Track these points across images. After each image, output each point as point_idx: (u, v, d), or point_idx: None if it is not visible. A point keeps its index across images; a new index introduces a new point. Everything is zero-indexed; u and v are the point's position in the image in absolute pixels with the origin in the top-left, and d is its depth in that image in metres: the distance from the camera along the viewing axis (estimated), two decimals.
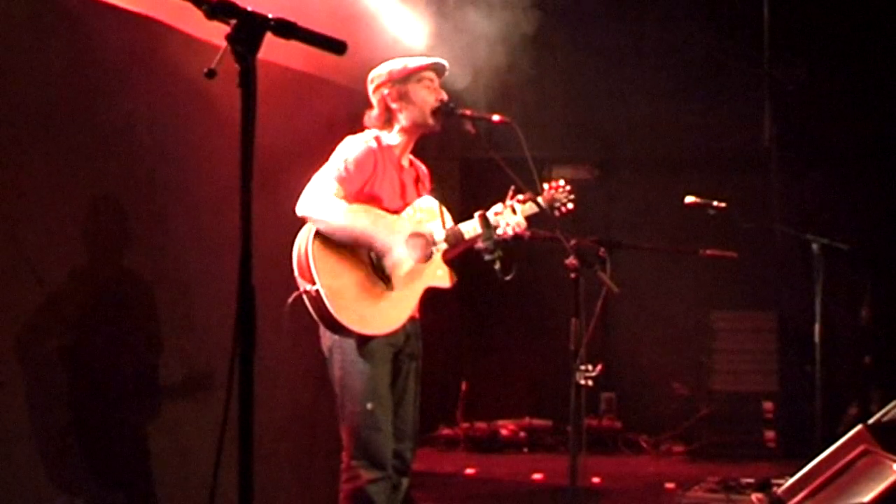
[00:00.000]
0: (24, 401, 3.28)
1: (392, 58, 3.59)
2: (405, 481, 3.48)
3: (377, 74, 3.53)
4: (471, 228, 3.54)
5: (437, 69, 3.55)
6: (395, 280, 3.34)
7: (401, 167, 3.52)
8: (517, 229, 3.54)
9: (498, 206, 3.59)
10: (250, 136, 1.89)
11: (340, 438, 3.42)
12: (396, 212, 3.45)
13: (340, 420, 3.38)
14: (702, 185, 5.28)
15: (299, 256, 3.26)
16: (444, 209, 3.60)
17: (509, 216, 3.56)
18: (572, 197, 3.81)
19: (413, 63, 3.51)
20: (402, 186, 3.50)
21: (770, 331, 7.16)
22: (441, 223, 3.55)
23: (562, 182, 3.83)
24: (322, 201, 3.24)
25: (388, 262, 3.32)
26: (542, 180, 3.69)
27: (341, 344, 3.33)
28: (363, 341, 3.30)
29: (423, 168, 3.69)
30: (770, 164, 7.33)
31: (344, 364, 3.33)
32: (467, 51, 7.18)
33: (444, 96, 3.52)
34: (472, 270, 3.65)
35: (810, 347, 5.10)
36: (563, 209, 3.80)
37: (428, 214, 3.54)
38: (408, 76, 3.48)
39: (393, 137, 3.51)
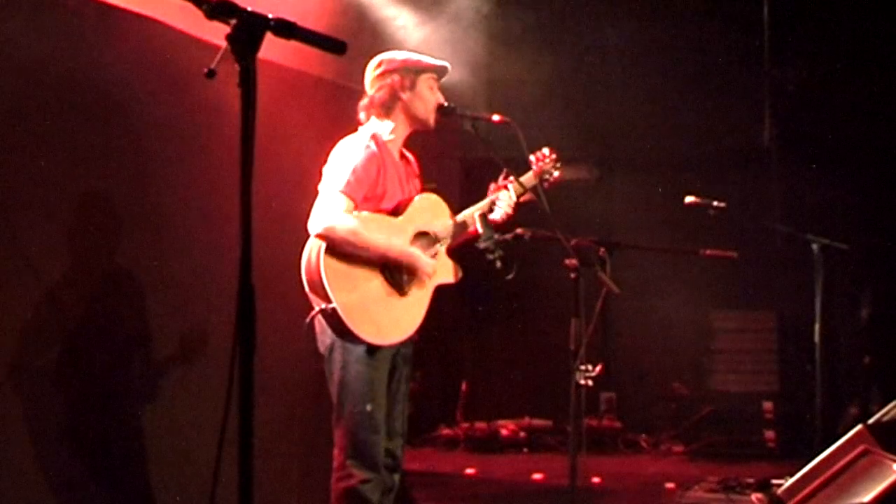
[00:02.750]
0: (23, 401, 3.28)
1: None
2: (397, 478, 3.49)
3: (388, 59, 3.50)
4: (468, 216, 3.57)
5: (441, 73, 3.57)
6: (408, 287, 3.34)
7: (396, 164, 3.51)
8: (510, 210, 3.58)
9: (492, 198, 3.60)
10: (250, 136, 1.89)
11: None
12: (399, 205, 3.43)
13: (336, 419, 3.38)
14: (702, 185, 5.27)
15: (310, 274, 3.20)
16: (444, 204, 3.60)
17: (504, 196, 3.59)
18: (559, 165, 3.83)
19: (427, 59, 3.53)
20: (400, 180, 3.49)
21: (770, 331, 7.16)
22: (448, 217, 3.56)
23: (545, 150, 3.83)
24: (331, 220, 3.19)
25: (404, 275, 3.33)
26: (528, 152, 3.71)
27: (343, 344, 3.31)
28: (373, 348, 3.30)
29: (410, 157, 3.66)
30: (770, 164, 7.34)
31: (345, 364, 3.32)
32: (467, 51, 7.20)
33: (442, 99, 3.53)
34: (473, 270, 3.66)
35: (810, 347, 5.09)
36: (552, 179, 3.82)
37: (432, 211, 3.53)
38: (421, 69, 3.50)
39: (388, 131, 3.48)
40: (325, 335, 3.36)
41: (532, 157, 3.75)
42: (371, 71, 3.52)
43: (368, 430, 3.31)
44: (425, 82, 3.49)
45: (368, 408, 3.30)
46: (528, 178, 3.72)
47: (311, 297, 3.22)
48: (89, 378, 3.52)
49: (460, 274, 3.57)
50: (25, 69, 3.27)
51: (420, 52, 3.64)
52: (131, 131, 3.73)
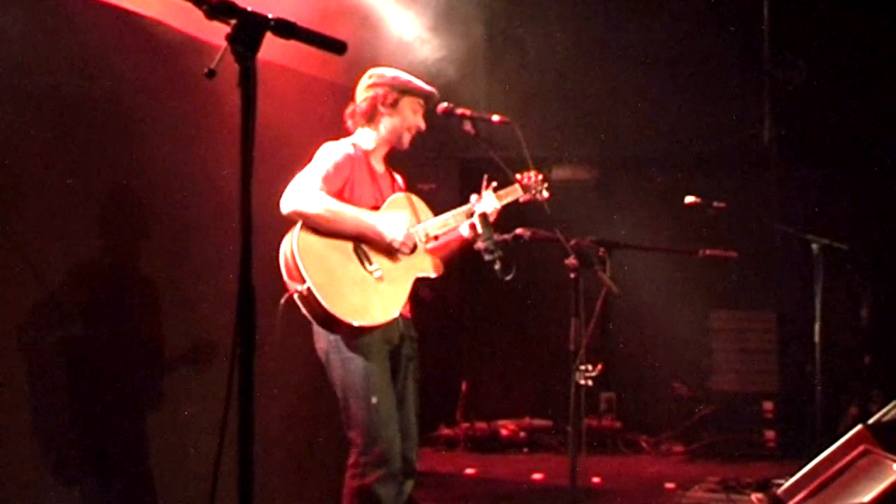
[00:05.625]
0: (24, 398, 3.28)
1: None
2: (410, 484, 3.49)
3: (379, 73, 3.59)
4: (451, 217, 3.60)
5: (430, 99, 3.62)
6: (383, 272, 3.37)
7: (375, 173, 3.58)
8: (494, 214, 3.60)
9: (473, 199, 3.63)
10: (250, 136, 1.89)
11: (340, 438, 3.42)
12: (374, 209, 3.50)
13: (346, 421, 3.39)
14: (702, 185, 5.27)
15: (286, 259, 3.29)
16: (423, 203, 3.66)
17: (487, 201, 3.62)
18: (546, 185, 3.83)
19: (417, 82, 3.60)
20: (380, 191, 3.56)
21: (770, 331, 7.16)
22: (427, 215, 3.61)
23: (532, 174, 3.83)
24: (308, 195, 3.28)
25: (375, 252, 3.35)
26: (516, 171, 3.73)
27: (337, 345, 3.35)
28: (358, 335, 3.31)
29: (398, 178, 3.74)
30: (770, 164, 7.33)
31: (343, 363, 3.35)
32: (467, 52, 7.19)
33: (423, 126, 3.58)
34: (472, 271, 3.66)
35: (810, 347, 5.09)
36: (540, 196, 3.81)
37: (410, 208, 3.59)
38: (407, 90, 3.56)
39: (369, 142, 3.57)
40: (320, 342, 3.41)
41: (518, 176, 3.77)
42: (362, 81, 3.61)
43: (378, 423, 3.33)
44: (409, 104, 3.56)
45: (374, 400, 3.32)
46: (508, 191, 3.73)
47: (288, 282, 3.28)
48: (90, 377, 3.52)
49: (442, 269, 3.59)
50: (25, 70, 3.27)
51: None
52: (131, 131, 3.73)
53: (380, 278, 3.37)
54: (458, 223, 3.61)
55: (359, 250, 3.37)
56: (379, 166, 3.61)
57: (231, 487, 1.89)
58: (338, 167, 3.38)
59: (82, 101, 3.51)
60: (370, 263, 3.38)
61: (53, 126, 3.39)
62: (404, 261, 3.46)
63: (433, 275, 3.57)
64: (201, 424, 3.74)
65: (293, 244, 3.25)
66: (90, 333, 3.55)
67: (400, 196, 3.60)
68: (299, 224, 3.29)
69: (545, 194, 3.83)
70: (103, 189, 3.62)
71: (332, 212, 3.28)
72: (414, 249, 3.48)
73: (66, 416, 3.45)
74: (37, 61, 3.31)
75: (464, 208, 3.62)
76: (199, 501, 3.73)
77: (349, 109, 3.61)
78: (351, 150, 3.47)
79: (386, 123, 3.55)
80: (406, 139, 3.58)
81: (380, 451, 3.31)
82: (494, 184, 3.67)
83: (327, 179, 3.34)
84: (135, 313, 3.79)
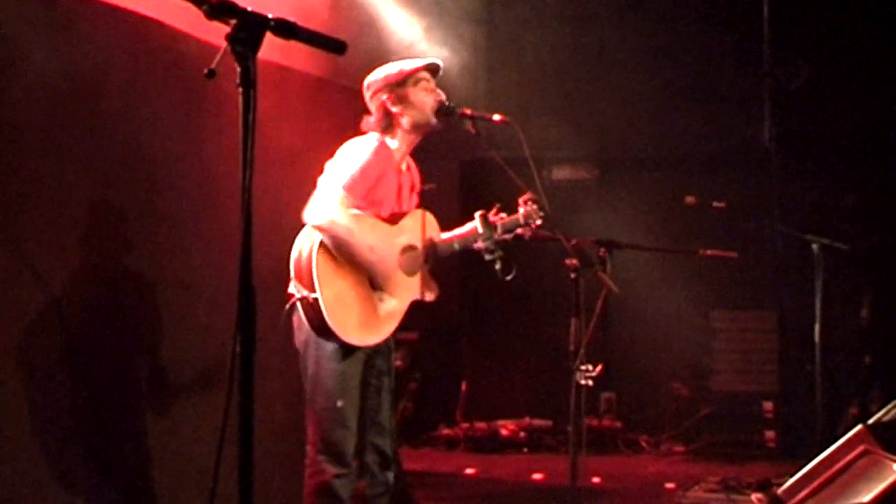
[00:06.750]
0: (25, 401, 3.28)
1: (392, 58, 3.61)
2: (390, 475, 3.52)
3: (373, 80, 3.55)
4: (454, 244, 3.60)
5: (432, 69, 3.57)
6: (387, 292, 3.39)
7: (399, 171, 3.54)
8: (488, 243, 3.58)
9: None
10: (250, 136, 1.89)
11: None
12: (394, 215, 3.49)
13: (308, 414, 3.42)
14: (702, 185, 5.28)
15: (299, 262, 3.28)
16: (436, 224, 3.65)
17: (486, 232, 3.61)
18: (542, 214, 3.79)
19: (409, 66, 3.53)
20: (399, 190, 3.53)
21: (770, 331, 7.16)
22: (437, 237, 3.61)
23: (530, 201, 3.82)
24: (331, 213, 3.24)
25: (382, 281, 3.36)
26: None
27: (317, 340, 3.35)
28: (344, 346, 3.33)
29: (415, 170, 3.71)
30: (770, 164, 7.34)
31: (319, 360, 3.36)
32: (467, 51, 7.20)
33: (442, 96, 3.53)
34: (472, 271, 3.67)
35: (810, 347, 5.10)
36: (534, 224, 3.79)
37: (423, 229, 3.58)
38: (405, 79, 3.50)
39: (394, 141, 3.52)
40: (301, 331, 3.40)
41: (521, 200, 3.74)
42: (365, 94, 3.57)
43: (339, 425, 3.36)
44: (415, 87, 3.50)
45: (339, 404, 3.35)
46: (514, 219, 3.71)
47: (295, 283, 3.28)
48: (91, 379, 3.52)
49: (437, 292, 3.60)
50: (25, 70, 3.27)
51: (411, 57, 3.65)
52: (131, 132, 3.73)
53: (382, 299, 3.38)
54: (461, 247, 3.60)
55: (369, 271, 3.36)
56: (403, 164, 3.57)
57: (231, 487, 1.89)
58: (365, 170, 3.32)
59: (83, 101, 3.51)
60: (377, 283, 3.38)
61: (53, 126, 3.39)
62: (405, 283, 3.47)
63: (430, 299, 3.56)
64: (202, 424, 3.75)
65: (312, 252, 3.23)
66: (91, 334, 3.55)
67: (419, 213, 3.58)
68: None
69: (538, 222, 3.79)
70: (104, 189, 3.62)
71: (350, 244, 3.26)
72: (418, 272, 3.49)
73: (68, 417, 3.45)
74: (36, 62, 3.31)
75: (470, 232, 3.62)
76: (200, 500, 3.73)
77: (363, 122, 3.56)
78: (380, 150, 3.41)
79: (406, 120, 3.49)
80: (433, 119, 3.50)
81: (336, 451, 3.35)
82: (503, 214, 3.66)
83: (352, 188, 3.27)
84: (136, 314, 3.79)
